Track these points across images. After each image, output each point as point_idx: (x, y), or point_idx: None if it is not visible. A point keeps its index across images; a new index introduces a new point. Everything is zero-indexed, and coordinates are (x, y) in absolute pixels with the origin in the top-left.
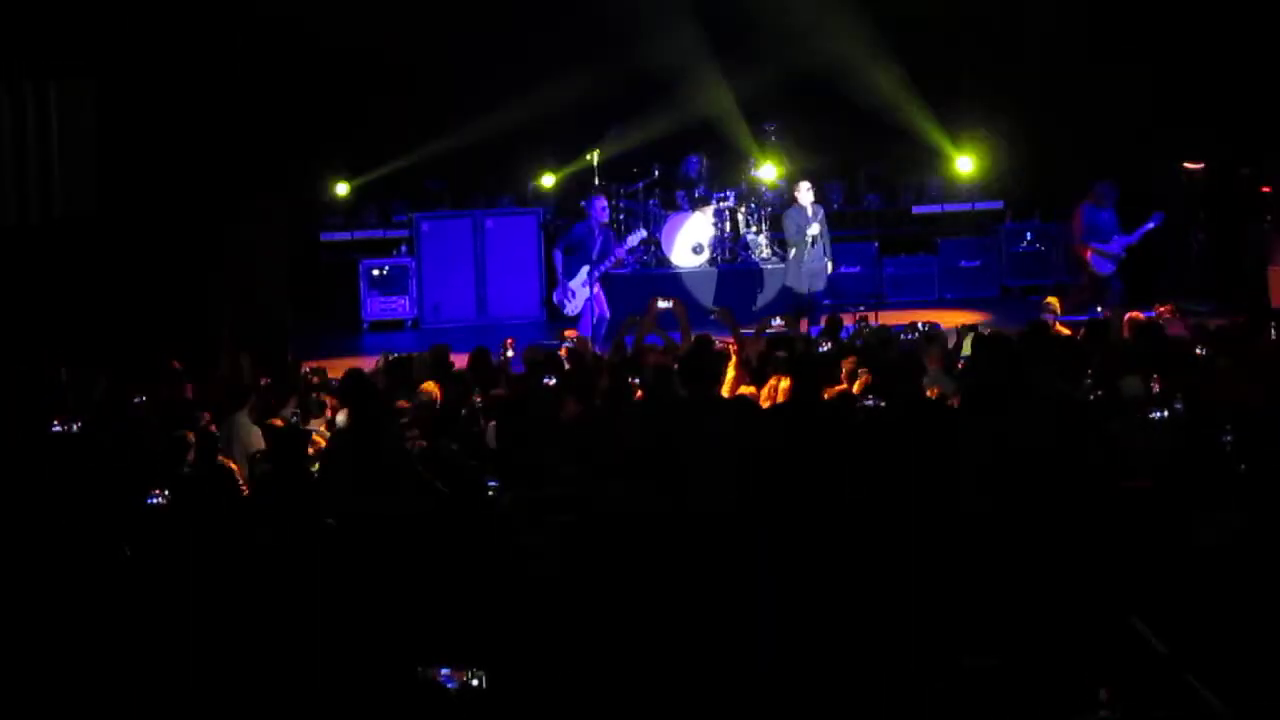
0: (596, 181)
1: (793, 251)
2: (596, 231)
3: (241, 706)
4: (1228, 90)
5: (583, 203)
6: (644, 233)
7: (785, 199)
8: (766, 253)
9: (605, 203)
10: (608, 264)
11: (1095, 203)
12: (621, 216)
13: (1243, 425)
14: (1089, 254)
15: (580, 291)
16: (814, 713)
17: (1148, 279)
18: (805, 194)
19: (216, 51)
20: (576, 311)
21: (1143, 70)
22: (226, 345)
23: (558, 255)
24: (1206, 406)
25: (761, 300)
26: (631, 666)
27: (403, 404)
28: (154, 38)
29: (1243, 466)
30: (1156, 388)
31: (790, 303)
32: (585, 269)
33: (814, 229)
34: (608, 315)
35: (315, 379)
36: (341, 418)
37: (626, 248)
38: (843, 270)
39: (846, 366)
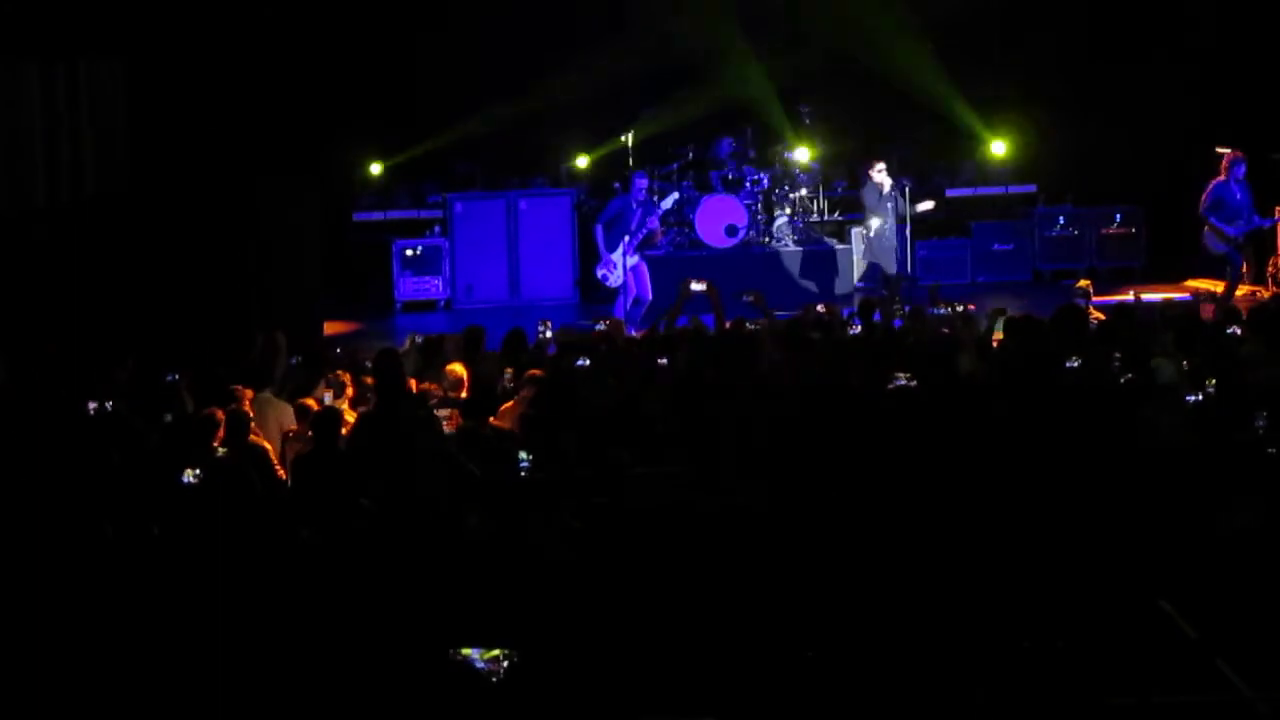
0: (630, 162)
1: (874, 224)
2: (635, 206)
3: (272, 687)
4: (1260, 75)
5: (615, 184)
6: (677, 194)
7: (817, 180)
8: (795, 237)
9: (647, 183)
10: (644, 232)
11: (1226, 179)
12: (655, 197)
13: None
14: (1205, 228)
15: (622, 262)
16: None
17: (1179, 263)
18: (879, 174)
19: (248, 30)
20: (619, 283)
21: (1177, 54)
22: (260, 324)
23: (598, 230)
24: (1238, 389)
25: (842, 282)
26: (662, 650)
27: (433, 387)
28: (184, 16)
29: (1272, 450)
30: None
31: (878, 279)
32: (625, 240)
33: (885, 212)
34: (649, 298)
35: (343, 359)
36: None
37: (661, 211)
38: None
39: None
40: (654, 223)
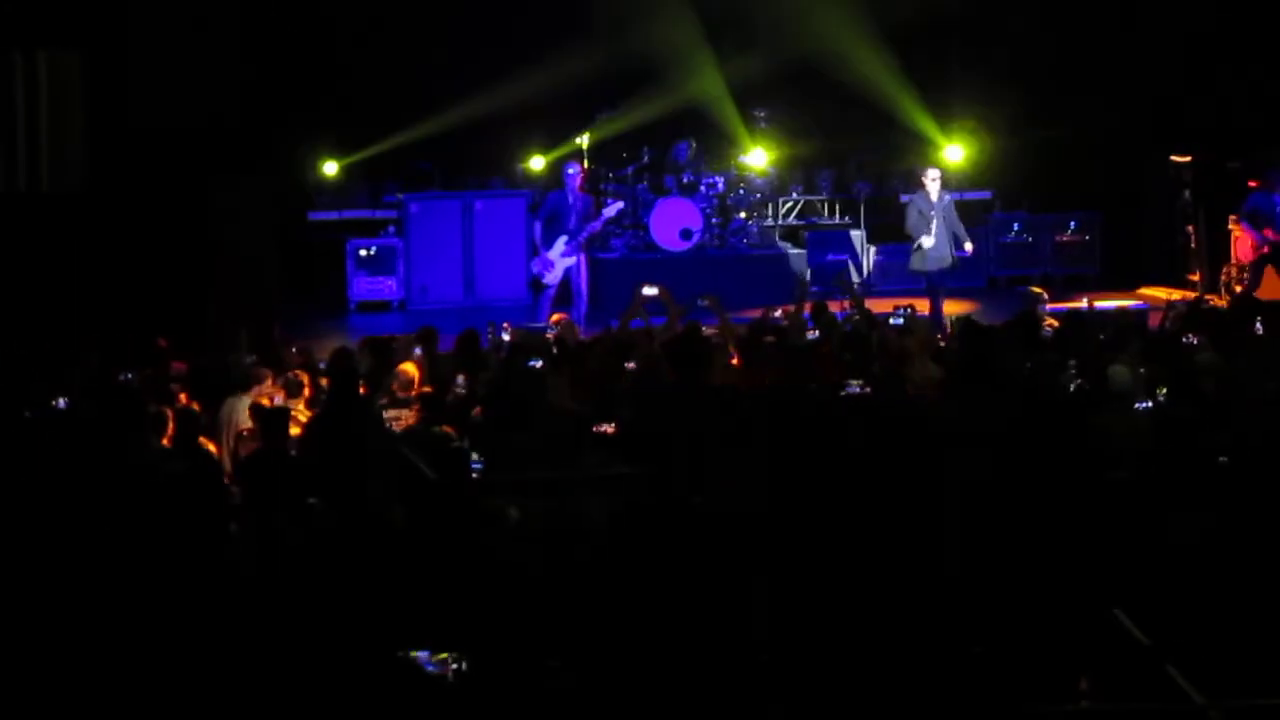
0: (586, 164)
1: (919, 238)
2: (573, 200)
3: (223, 686)
4: (1217, 84)
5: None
6: (622, 203)
7: (775, 185)
8: (750, 241)
9: (579, 167)
10: (586, 234)
11: (1265, 188)
12: (605, 188)
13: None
14: (1236, 233)
15: (559, 261)
16: (810, 702)
17: (1134, 270)
18: (932, 182)
19: (207, 27)
20: (556, 281)
21: (1133, 62)
22: (218, 322)
23: (537, 226)
24: (1192, 396)
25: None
26: (615, 653)
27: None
28: (143, 12)
29: (1222, 460)
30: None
31: (914, 285)
32: (563, 239)
33: (937, 212)
34: (584, 293)
35: (299, 358)
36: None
37: (604, 219)
38: (830, 258)
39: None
40: (597, 225)
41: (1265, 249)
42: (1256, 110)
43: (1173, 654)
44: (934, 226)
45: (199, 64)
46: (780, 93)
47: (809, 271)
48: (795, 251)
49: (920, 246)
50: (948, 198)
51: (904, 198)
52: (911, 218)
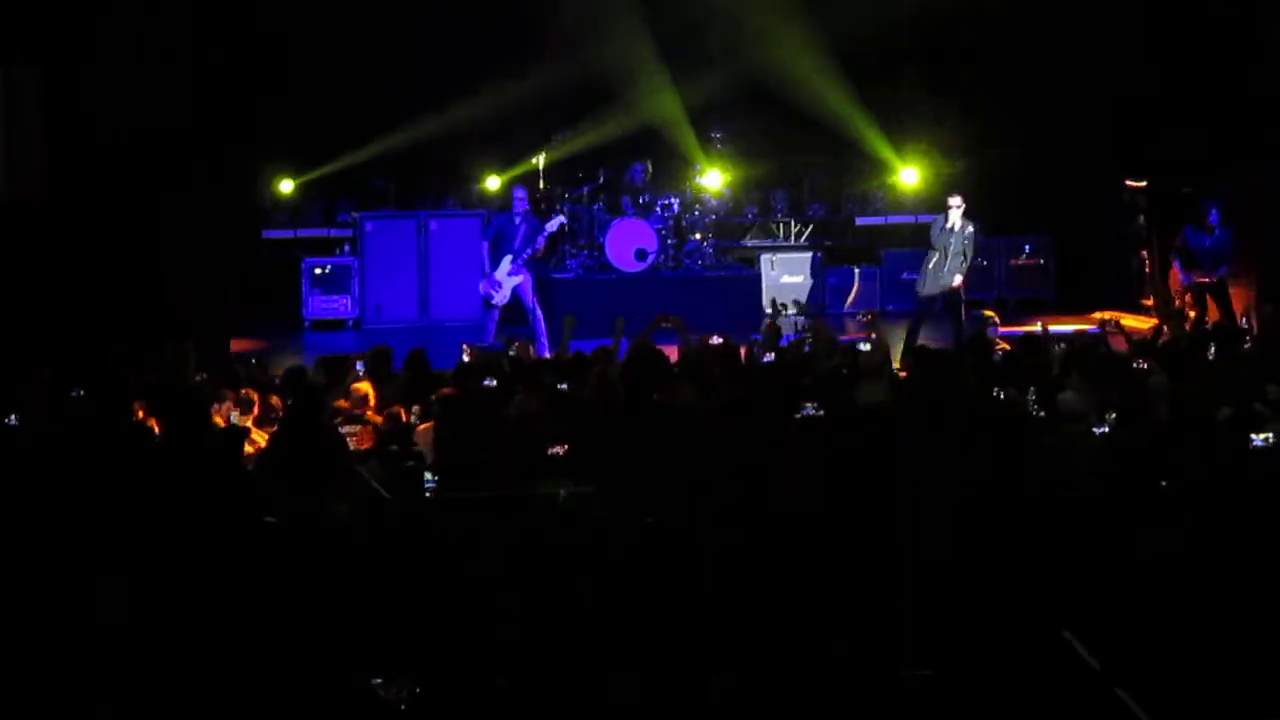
0: (541, 184)
1: (932, 259)
2: (519, 221)
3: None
4: (1172, 109)
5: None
6: (563, 218)
7: (730, 206)
8: (705, 262)
9: (525, 192)
10: (530, 251)
11: (1196, 225)
12: (560, 207)
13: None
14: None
15: (506, 281)
16: None
17: (1088, 294)
18: (955, 209)
19: (164, 43)
20: (504, 301)
21: (1089, 86)
22: (170, 338)
23: (484, 248)
24: (1141, 422)
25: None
26: (566, 671)
27: (342, 403)
28: (102, 27)
29: (1165, 484)
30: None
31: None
32: (508, 258)
33: (953, 237)
34: (536, 309)
35: (251, 375)
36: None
37: (547, 233)
38: (782, 281)
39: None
40: (541, 241)
41: (1194, 287)
42: (1211, 137)
43: (1124, 677)
44: (938, 254)
45: (156, 80)
46: (736, 114)
47: (771, 293)
48: (750, 272)
49: (931, 270)
50: (970, 229)
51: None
52: (933, 239)
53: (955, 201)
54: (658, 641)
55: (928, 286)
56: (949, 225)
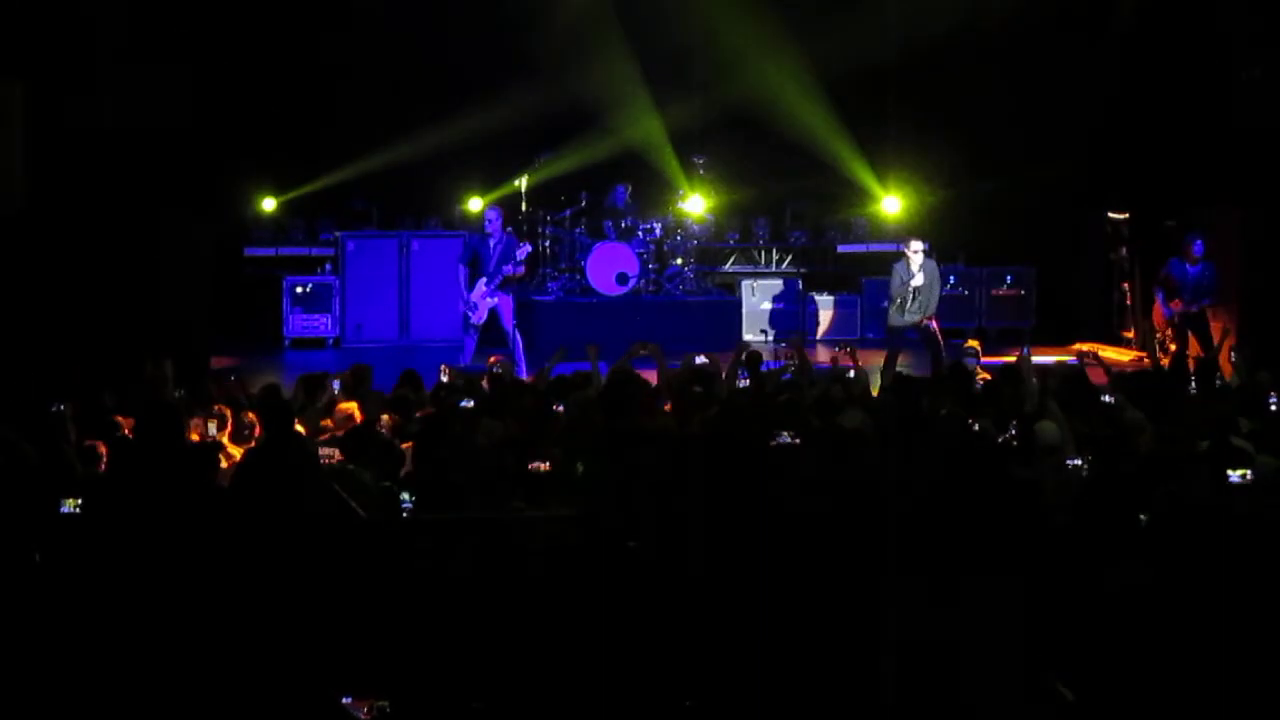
0: (524, 207)
1: (896, 301)
2: (492, 243)
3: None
4: (1154, 142)
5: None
6: (529, 246)
7: (712, 232)
8: (686, 287)
9: (498, 213)
10: (502, 275)
11: (1180, 256)
12: (542, 230)
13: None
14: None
15: (482, 302)
16: None
17: (1069, 325)
18: (914, 254)
19: (149, 61)
20: (481, 321)
21: (1071, 116)
22: (149, 354)
23: (461, 271)
24: (1119, 454)
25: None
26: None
27: (327, 423)
28: (85, 44)
29: (1143, 518)
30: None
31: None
32: (482, 280)
33: (916, 282)
34: (514, 331)
35: (225, 391)
36: None
37: (519, 258)
38: (776, 307)
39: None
40: (509, 269)
41: (1175, 319)
42: (1194, 169)
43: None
44: (908, 297)
45: (140, 98)
46: (719, 139)
47: (753, 319)
48: (731, 298)
49: (896, 310)
50: (933, 270)
51: (895, 266)
52: (893, 285)
53: (915, 246)
54: (636, 666)
55: (893, 320)
56: (911, 274)
